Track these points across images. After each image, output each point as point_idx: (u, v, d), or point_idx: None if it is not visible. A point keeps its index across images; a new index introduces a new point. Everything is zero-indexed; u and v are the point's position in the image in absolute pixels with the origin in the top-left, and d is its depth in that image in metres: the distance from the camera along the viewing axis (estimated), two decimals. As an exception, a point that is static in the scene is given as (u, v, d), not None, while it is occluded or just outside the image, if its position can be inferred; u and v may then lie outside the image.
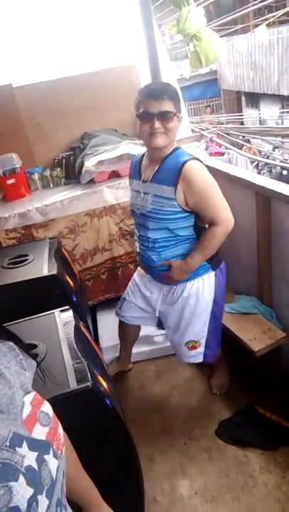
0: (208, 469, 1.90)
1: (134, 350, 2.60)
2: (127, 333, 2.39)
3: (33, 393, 0.87)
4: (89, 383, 1.23)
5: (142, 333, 2.45)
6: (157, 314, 2.07)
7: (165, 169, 1.69)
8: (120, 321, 2.30)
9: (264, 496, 1.75)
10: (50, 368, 1.34)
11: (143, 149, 1.93)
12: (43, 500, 0.77)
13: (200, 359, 2.05)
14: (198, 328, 1.95)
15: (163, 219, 1.71)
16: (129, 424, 2.06)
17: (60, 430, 0.96)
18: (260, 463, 1.90)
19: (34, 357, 1.41)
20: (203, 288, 1.86)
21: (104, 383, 1.37)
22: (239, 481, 1.83)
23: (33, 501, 0.73)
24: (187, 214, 1.70)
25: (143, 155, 1.85)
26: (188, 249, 1.78)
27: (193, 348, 2.00)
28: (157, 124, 1.58)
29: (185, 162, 1.63)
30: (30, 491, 0.73)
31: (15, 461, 0.72)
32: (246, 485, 1.81)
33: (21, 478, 0.71)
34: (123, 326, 2.33)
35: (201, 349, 2.02)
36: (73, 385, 1.24)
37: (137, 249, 1.94)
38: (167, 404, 2.31)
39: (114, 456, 1.39)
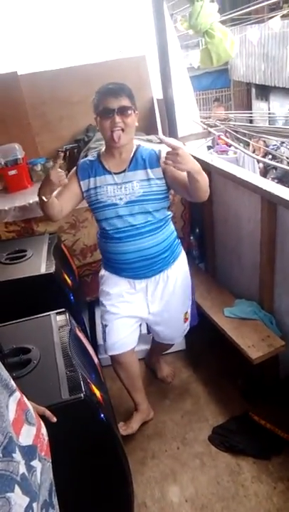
0: (199, 476, 1.89)
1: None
2: (130, 368, 2.08)
3: (18, 393, 0.84)
4: (82, 394, 1.21)
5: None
6: (150, 312, 1.97)
7: (140, 157, 1.76)
8: (115, 360, 2.04)
9: (254, 507, 1.74)
10: (42, 375, 1.32)
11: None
12: (36, 507, 0.77)
13: (188, 328, 2.16)
14: (187, 299, 2.07)
15: (150, 200, 1.75)
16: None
17: (44, 430, 0.94)
18: (252, 472, 1.88)
19: (27, 362, 1.40)
20: (184, 263, 1.99)
21: (97, 392, 1.34)
22: (230, 490, 1.81)
23: (29, 509, 0.73)
24: (167, 193, 1.81)
25: (96, 155, 1.84)
26: (167, 234, 1.86)
27: (186, 319, 2.11)
28: (118, 119, 1.63)
29: (159, 150, 1.75)
30: (26, 500, 0.73)
31: (11, 471, 0.71)
32: (237, 494, 1.79)
33: (17, 488, 0.71)
34: (121, 363, 2.04)
35: (189, 318, 2.14)
36: (65, 395, 1.21)
37: (110, 250, 1.85)
38: (161, 406, 2.29)
39: (105, 467, 1.37)
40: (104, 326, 1.98)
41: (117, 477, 1.42)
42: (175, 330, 2.12)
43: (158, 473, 1.93)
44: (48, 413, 1.05)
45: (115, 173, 1.76)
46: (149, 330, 2.23)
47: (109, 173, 1.77)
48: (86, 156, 2.55)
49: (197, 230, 2.85)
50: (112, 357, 2.04)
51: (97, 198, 1.77)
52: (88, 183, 1.79)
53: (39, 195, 1.70)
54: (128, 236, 1.78)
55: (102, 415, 1.26)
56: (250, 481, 1.84)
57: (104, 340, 1.99)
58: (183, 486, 1.86)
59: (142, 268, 1.84)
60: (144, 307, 1.95)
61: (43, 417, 1.01)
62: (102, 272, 1.98)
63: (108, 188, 1.75)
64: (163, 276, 1.91)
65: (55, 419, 1.02)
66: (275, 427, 2.03)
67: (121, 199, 1.75)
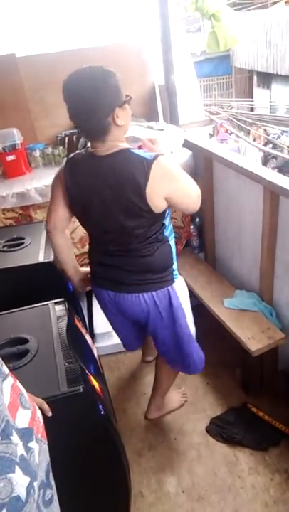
0: (196, 467, 1.88)
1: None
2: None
3: (11, 377, 0.85)
4: (80, 387, 1.19)
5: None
6: None
7: None
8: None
9: (251, 499, 1.74)
10: (40, 366, 1.30)
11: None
12: (36, 486, 0.80)
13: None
14: None
15: None
16: (119, 415, 2.05)
17: (39, 413, 0.95)
18: (249, 463, 1.88)
19: (25, 353, 1.38)
20: None
21: (96, 384, 1.32)
22: (227, 481, 1.81)
23: (30, 488, 0.76)
24: None
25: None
26: None
27: None
28: None
29: None
30: (27, 480, 0.75)
31: (10, 453, 0.73)
32: (234, 486, 1.79)
33: (17, 469, 0.73)
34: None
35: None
36: (64, 387, 1.19)
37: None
38: (159, 396, 2.28)
39: (103, 458, 1.36)
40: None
41: (114, 468, 1.41)
42: None
43: (155, 464, 1.92)
44: (45, 406, 1.04)
45: None
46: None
47: None
48: (85, 143, 2.51)
49: (197, 219, 2.81)
50: None
51: None
52: None
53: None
54: None
55: (100, 408, 1.25)
56: (247, 473, 1.84)
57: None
58: (180, 477, 1.86)
59: None
60: None
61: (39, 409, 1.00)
62: (177, 281, 1.68)
63: None
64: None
65: (50, 414, 1.01)
66: (272, 419, 2.02)
67: None
